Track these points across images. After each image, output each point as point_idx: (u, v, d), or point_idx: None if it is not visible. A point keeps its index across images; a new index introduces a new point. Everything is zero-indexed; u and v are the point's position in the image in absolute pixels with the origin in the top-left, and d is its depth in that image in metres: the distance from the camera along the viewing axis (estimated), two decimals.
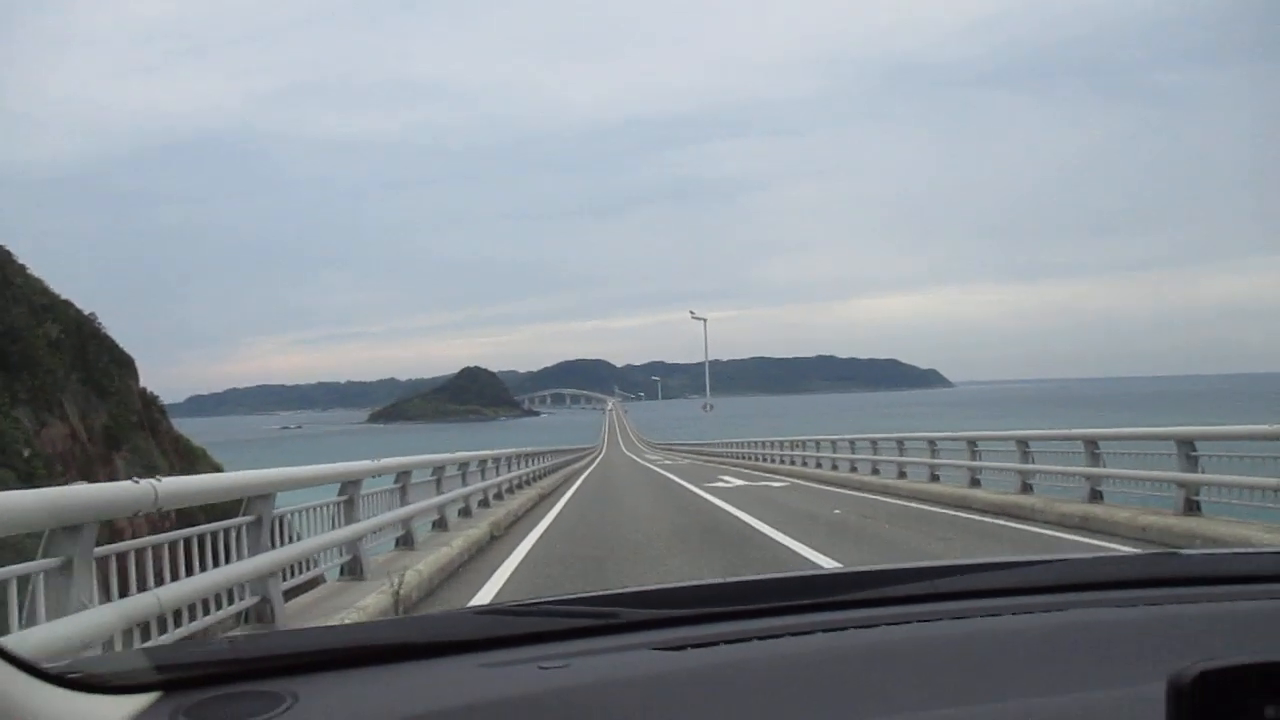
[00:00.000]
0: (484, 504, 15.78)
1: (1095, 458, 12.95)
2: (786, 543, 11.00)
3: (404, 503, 10.36)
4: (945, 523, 13.21)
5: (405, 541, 10.40)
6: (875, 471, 21.78)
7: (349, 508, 8.39)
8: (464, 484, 13.97)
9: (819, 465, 26.65)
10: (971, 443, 17.38)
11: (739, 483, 23.81)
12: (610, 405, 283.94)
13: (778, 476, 26.58)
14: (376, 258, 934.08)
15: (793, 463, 29.94)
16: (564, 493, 22.62)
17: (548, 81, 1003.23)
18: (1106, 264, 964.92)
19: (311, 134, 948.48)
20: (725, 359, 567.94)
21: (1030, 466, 14.61)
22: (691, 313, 58.54)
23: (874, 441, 22.73)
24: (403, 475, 10.50)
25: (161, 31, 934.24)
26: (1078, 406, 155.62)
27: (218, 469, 47.73)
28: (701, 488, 21.98)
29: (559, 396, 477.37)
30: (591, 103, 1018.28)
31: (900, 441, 20.65)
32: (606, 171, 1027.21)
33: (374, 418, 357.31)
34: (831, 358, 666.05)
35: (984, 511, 14.27)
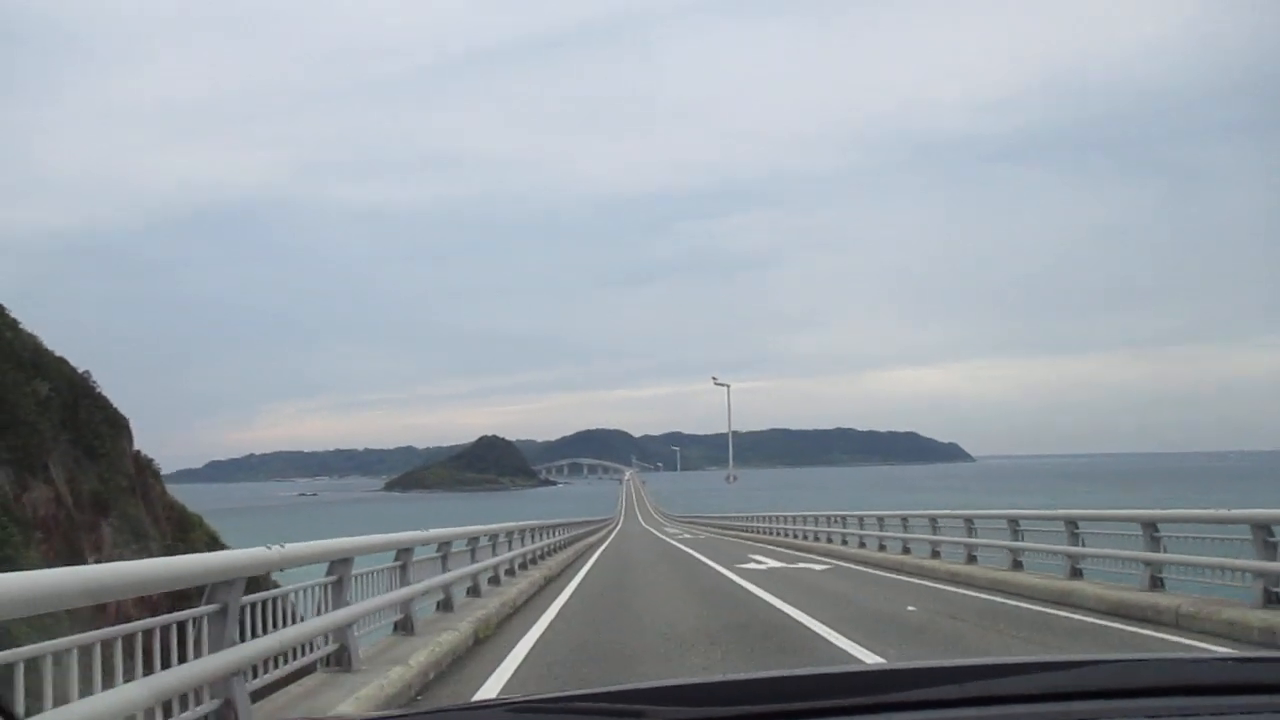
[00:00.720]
0: (474, 592, 13.26)
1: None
2: (856, 652, 8.45)
3: (341, 601, 7.78)
4: (1055, 628, 10.54)
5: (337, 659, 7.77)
6: (935, 554, 19.09)
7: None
8: (444, 569, 11.59)
9: (862, 545, 23.95)
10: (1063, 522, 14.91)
11: (774, 564, 21.18)
12: (628, 475, 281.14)
13: (816, 557, 23.95)
14: (395, 326, 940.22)
15: (829, 540, 27.21)
16: (573, 575, 20.07)
17: (567, 154, 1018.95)
18: (1126, 339, 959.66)
19: (329, 205, 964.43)
20: (744, 430, 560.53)
21: (1164, 556, 11.78)
22: (714, 379, 56.59)
23: (933, 519, 20.00)
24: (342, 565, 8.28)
25: (187, 107, 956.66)
26: (1108, 481, 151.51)
27: (214, 539, 45.31)
28: (733, 569, 19.41)
29: (576, 466, 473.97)
30: (611, 175, 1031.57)
31: (969, 520, 17.85)
32: (626, 244, 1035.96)
33: (390, 485, 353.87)
34: (851, 430, 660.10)
35: (1095, 611, 11.60)
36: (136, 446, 43.80)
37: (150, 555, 32.16)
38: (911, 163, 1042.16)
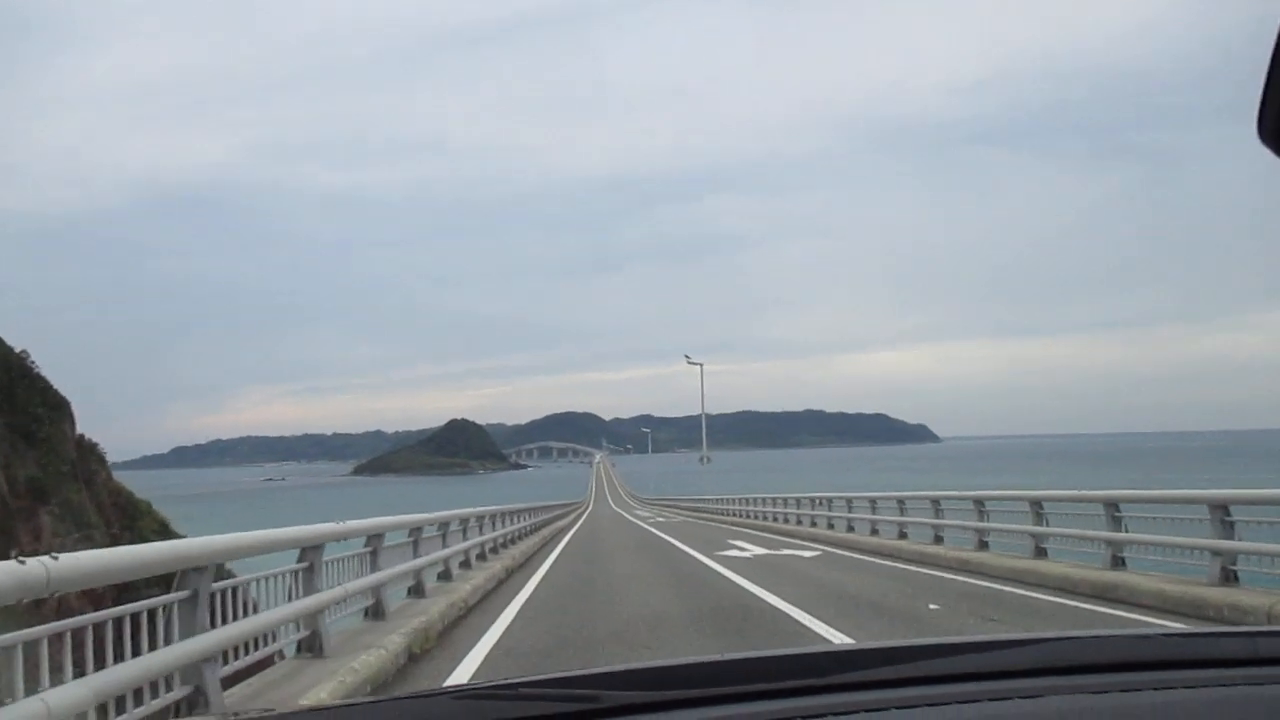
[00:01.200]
0: (416, 591, 11.45)
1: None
2: None
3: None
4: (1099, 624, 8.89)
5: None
6: (938, 539, 17.40)
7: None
8: (373, 568, 9.72)
9: (850, 529, 22.22)
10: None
11: (758, 550, 19.43)
12: (598, 458, 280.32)
13: (800, 542, 22.23)
14: (365, 311, 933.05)
15: (814, 524, 25.48)
16: (538, 565, 18.22)
17: (542, 139, 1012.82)
18: (1100, 320, 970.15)
19: (301, 189, 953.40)
20: (714, 413, 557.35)
21: (1231, 544, 10.27)
22: (688, 358, 54.52)
23: (935, 502, 18.30)
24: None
25: (155, 89, 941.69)
26: (1076, 461, 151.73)
27: (164, 526, 43.12)
28: (713, 557, 17.66)
29: (546, 450, 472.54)
30: (584, 161, 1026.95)
31: (979, 503, 16.12)
32: (599, 228, 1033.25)
33: (358, 470, 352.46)
34: (820, 412, 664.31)
35: (1147, 606, 9.97)
36: (80, 430, 41.63)
37: (94, 544, 30.08)
38: (885, 147, 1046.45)
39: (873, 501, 22.46)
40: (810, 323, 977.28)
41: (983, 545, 15.70)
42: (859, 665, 1.62)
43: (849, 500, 23.35)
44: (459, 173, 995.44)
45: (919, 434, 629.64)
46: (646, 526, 35.43)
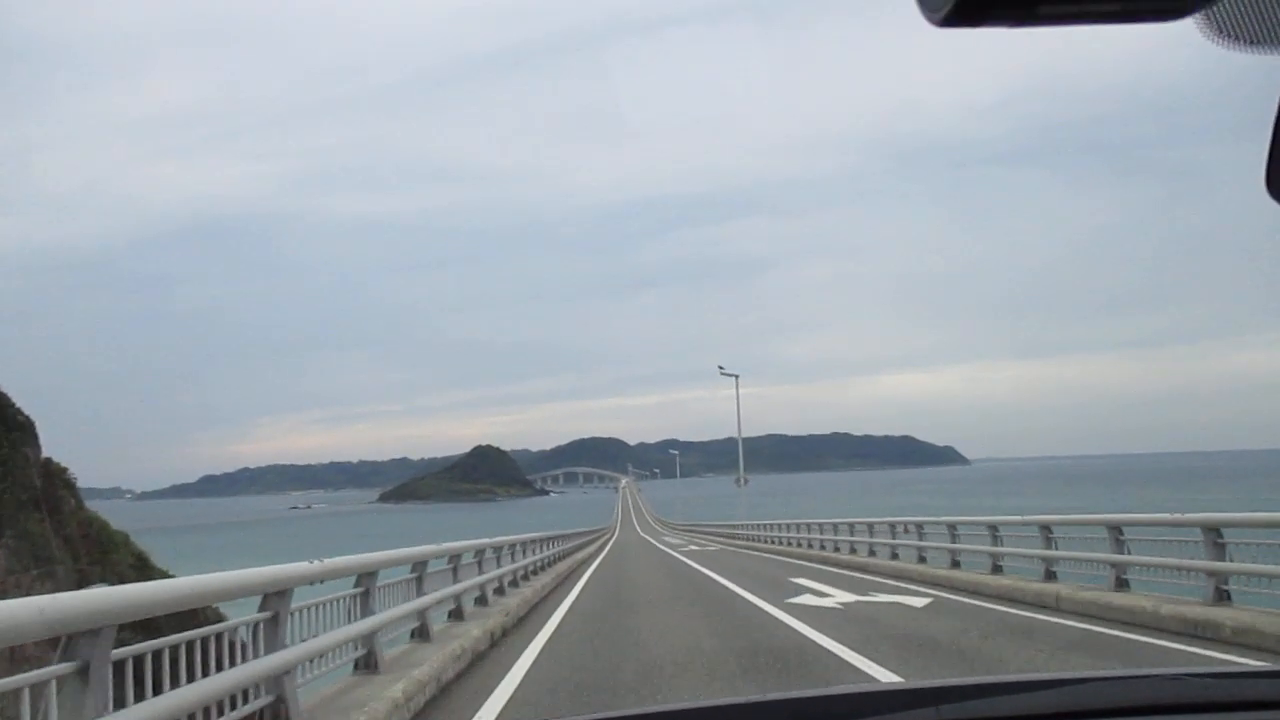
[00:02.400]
0: (421, 635, 9.70)
1: None
2: None
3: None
4: None
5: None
6: (1121, 584, 12.07)
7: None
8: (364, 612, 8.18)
9: (956, 565, 17.40)
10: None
11: (841, 595, 14.72)
12: (623, 483, 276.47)
13: (883, 579, 17.63)
14: (391, 338, 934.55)
15: (894, 556, 20.66)
16: (549, 615, 13.73)
17: (563, 164, 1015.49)
18: (1123, 340, 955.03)
19: (326, 217, 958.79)
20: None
21: None
22: (721, 368, 50.15)
23: (1047, 528, 13.80)
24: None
25: (180, 120, 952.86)
26: (1121, 483, 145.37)
27: (142, 560, 39.14)
28: (787, 609, 13.06)
29: (571, 475, 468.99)
30: (606, 184, 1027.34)
31: (1115, 529, 11.55)
32: (622, 252, 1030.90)
33: (384, 498, 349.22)
34: (847, 435, 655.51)
35: None
36: (46, 453, 37.74)
37: (56, 579, 26.54)
38: (905, 167, 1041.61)
39: (952, 527, 17.96)
40: (834, 344, 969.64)
41: (1121, 584, 11.74)
42: (894, 706, 1.61)
43: (951, 527, 18.13)
44: (481, 198, 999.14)
45: (947, 456, 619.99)
46: (679, 556, 30.90)
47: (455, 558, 11.89)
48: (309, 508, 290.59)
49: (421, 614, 9.87)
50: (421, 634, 9.90)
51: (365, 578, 8.14)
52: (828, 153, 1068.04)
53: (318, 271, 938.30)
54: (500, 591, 15.20)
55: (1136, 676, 1.83)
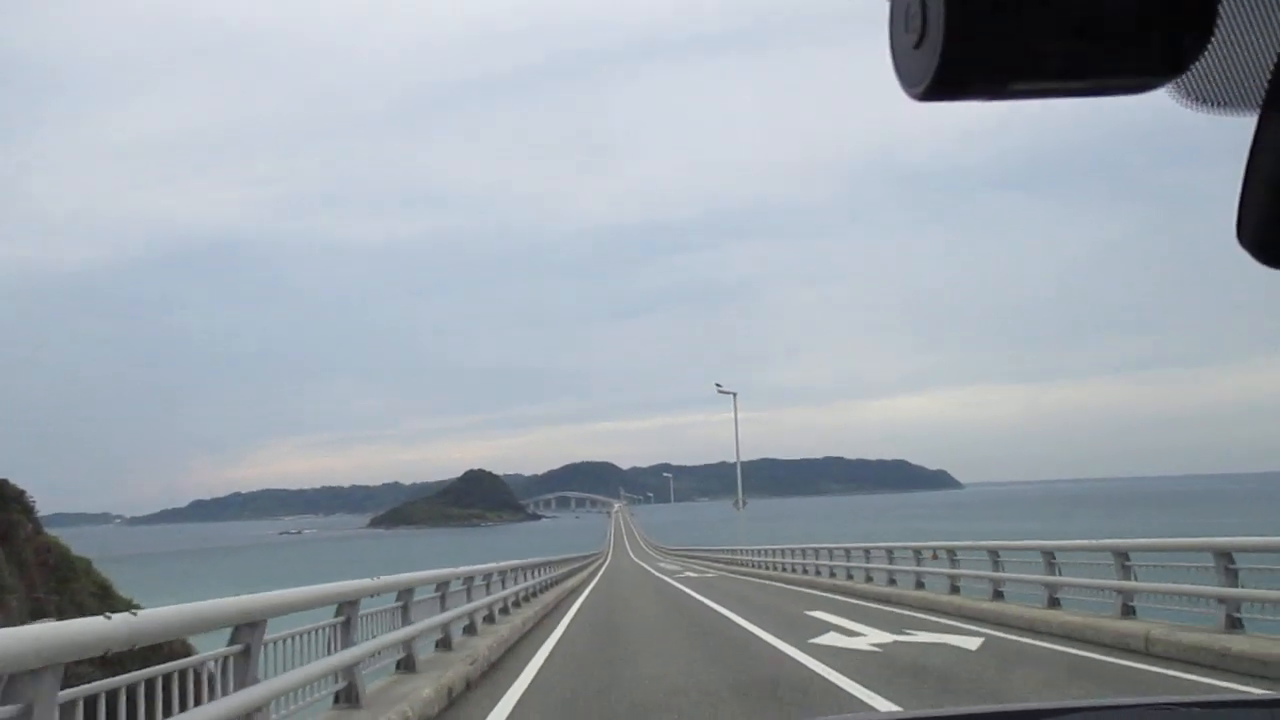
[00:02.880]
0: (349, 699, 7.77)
1: None
2: None
3: None
4: None
5: None
6: (1234, 623, 9.66)
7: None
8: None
9: (999, 595, 15.12)
10: None
11: (875, 634, 12.40)
12: (616, 508, 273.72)
13: (926, 616, 15.40)
14: (383, 362, 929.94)
15: (918, 585, 18.39)
16: (530, 657, 11.50)
17: (554, 188, 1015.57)
18: (1117, 364, 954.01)
19: (320, 242, 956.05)
20: (732, 461, 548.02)
21: None
22: (718, 386, 48.24)
23: (1123, 554, 11.51)
24: None
25: (171, 144, 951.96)
26: (1120, 506, 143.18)
27: (104, 589, 36.92)
28: (810, 652, 10.81)
29: (564, 500, 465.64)
30: (597, 209, 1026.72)
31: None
32: (613, 277, 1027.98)
33: (375, 523, 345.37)
34: (840, 459, 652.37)
35: None
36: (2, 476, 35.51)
37: (9, 610, 24.78)
38: (901, 191, 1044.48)
39: (993, 553, 15.71)
40: (828, 369, 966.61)
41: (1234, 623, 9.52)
42: None
43: (993, 552, 15.77)
44: (474, 222, 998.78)
45: (940, 480, 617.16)
46: (677, 584, 28.63)
47: (407, 593, 10.01)
48: (299, 533, 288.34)
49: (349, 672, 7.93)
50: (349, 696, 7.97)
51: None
52: (824, 176, 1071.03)
53: (312, 296, 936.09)
54: (471, 630, 13.27)
55: (1139, 705, 1.71)
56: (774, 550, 34.50)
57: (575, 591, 27.46)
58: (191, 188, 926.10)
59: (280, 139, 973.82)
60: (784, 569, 31.24)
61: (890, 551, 20.33)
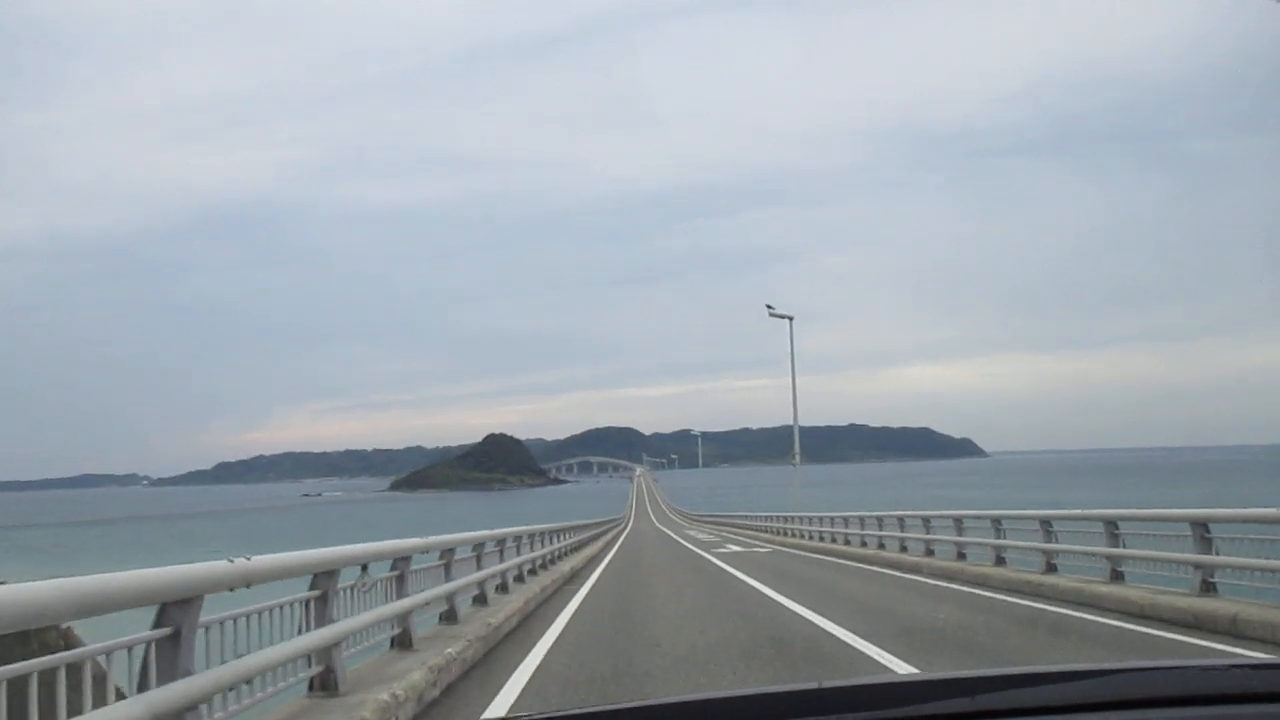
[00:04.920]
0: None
1: None
2: None
3: None
4: None
5: None
6: None
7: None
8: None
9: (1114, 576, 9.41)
10: None
11: None
12: (638, 472, 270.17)
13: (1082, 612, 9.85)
14: (407, 327, 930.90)
15: (1048, 568, 12.89)
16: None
17: (579, 153, 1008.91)
18: (1141, 333, 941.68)
19: (344, 206, 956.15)
20: (755, 428, 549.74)
21: None
22: (770, 308, 42.14)
23: None
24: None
25: (196, 108, 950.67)
26: (1148, 476, 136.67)
27: None
28: None
29: (586, 465, 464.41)
30: (622, 175, 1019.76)
31: None
32: (638, 242, 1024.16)
33: (396, 485, 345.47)
34: (864, 426, 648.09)
35: None
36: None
37: None
38: (924, 158, 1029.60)
39: (1203, 527, 10.47)
40: (851, 336, 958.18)
41: None
42: (936, 696, 1.57)
43: (1201, 523, 10.49)
44: (500, 188, 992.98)
45: (965, 448, 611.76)
46: (718, 563, 22.88)
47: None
48: (320, 495, 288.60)
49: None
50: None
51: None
52: (847, 143, 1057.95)
53: (335, 261, 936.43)
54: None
55: (1178, 667, 1.71)
56: (848, 520, 28.05)
57: (594, 561, 21.89)
58: (214, 152, 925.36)
59: (305, 104, 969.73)
60: (862, 543, 24.97)
61: (1046, 522, 14.29)
